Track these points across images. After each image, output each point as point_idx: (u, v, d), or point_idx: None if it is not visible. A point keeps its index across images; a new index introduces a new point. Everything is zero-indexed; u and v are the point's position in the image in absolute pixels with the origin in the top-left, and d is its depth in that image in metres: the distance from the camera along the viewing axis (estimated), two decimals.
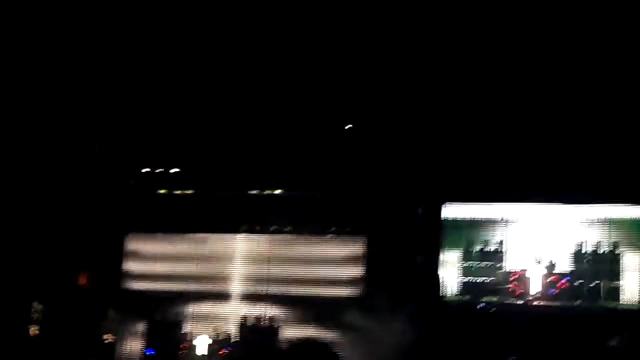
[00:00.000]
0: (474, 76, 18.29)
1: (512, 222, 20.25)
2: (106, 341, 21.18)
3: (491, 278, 20.00)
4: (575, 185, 18.46)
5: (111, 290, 22.33)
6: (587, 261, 19.65)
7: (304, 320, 21.55)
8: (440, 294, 19.98)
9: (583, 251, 19.75)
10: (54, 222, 20.99)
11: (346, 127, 20.54)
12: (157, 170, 21.85)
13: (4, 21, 17.89)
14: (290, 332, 21.38)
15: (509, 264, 20.04)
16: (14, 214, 20.94)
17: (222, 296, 22.36)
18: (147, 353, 20.19)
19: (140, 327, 21.65)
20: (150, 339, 20.85)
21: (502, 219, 20.35)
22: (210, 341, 20.67)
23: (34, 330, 21.00)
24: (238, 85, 19.38)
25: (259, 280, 22.25)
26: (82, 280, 21.54)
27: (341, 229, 21.51)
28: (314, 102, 19.51)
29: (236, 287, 22.37)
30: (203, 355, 20.43)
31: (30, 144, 20.69)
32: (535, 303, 19.61)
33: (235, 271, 22.45)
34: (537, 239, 19.91)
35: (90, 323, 21.08)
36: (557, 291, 19.56)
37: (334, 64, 18.63)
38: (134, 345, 21.45)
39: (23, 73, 19.36)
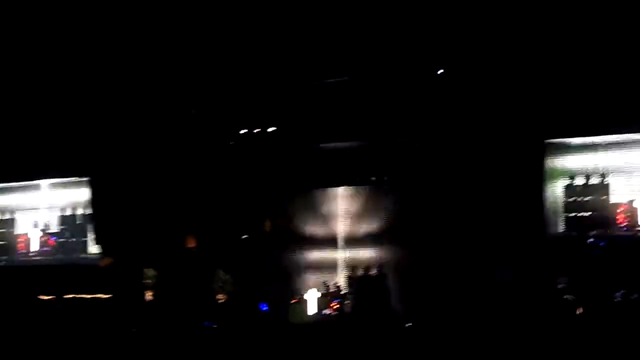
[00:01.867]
0: None
1: (615, 152, 19.81)
2: (219, 301, 21.62)
3: (597, 212, 19.66)
4: None
5: (220, 251, 22.76)
6: None
7: (412, 268, 21.61)
8: (547, 231, 19.75)
9: None
10: (160, 188, 21.42)
11: (439, 72, 20.32)
12: (255, 130, 22.00)
13: None
14: (399, 281, 21.51)
15: (615, 196, 19.64)
16: (122, 183, 21.52)
17: (330, 250, 22.56)
18: (262, 308, 20.49)
19: (251, 285, 22.03)
20: (261, 295, 21.14)
21: (605, 151, 19.93)
22: (320, 294, 20.83)
23: (149, 295, 21.58)
24: (320, 37, 19.41)
25: (365, 231, 22.38)
26: (191, 243, 21.99)
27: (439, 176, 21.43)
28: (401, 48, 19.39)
29: (343, 240, 22.52)
30: (314, 308, 20.63)
31: (133, 111, 21.17)
32: None
33: (342, 224, 22.59)
34: None
35: (201, 285, 21.53)
36: None
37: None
38: (246, 303, 21.80)
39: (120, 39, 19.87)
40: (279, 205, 22.33)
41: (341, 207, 22.53)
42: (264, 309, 20.58)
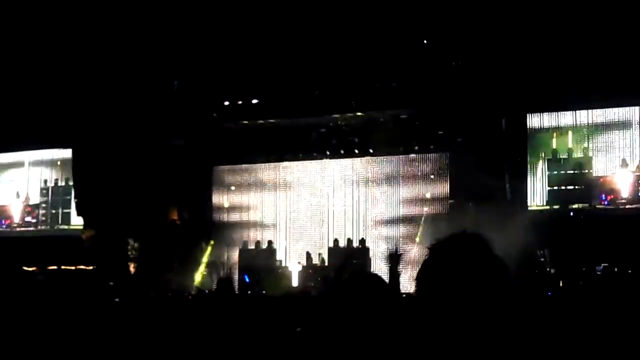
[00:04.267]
0: None
1: (598, 127, 19.89)
2: (202, 273, 21.68)
3: (579, 185, 19.78)
4: None
5: (202, 224, 22.83)
6: None
7: (393, 240, 21.73)
8: (528, 205, 19.86)
9: None
10: (142, 161, 21.36)
11: (424, 42, 20.22)
12: (239, 102, 21.94)
13: None
14: (381, 252, 21.61)
15: (597, 169, 19.75)
16: (105, 154, 21.44)
17: (310, 222, 22.65)
18: (246, 280, 20.52)
19: (234, 256, 22.12)
20: (244, 267, 21.18)
21: (587, 125, 20.02)
22: (302, 266, 20.89)
23: (132, 267, 21.61)
24: (311, 7, 19.26)
25: (347, 203, 22.47)
26: (173, 215, 22.01)
27: (425, 147, 21.51)
28: (384, 19, 19.25)
29: (324, 211, 22.61)
30: (297, 280, 20.69)
31: (117, 82, 21.05)
32: (626, 207, 19.34)
33: (323, 196, 22.68)
34: (624, 142, 19.55)
35: (185, 257, 21.58)
36: None
37: None
38: (230, 274, 21.87)
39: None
40: None
41: (324, 179, 22.65)
42: (247, 280, 20.60)
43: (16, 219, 24.01)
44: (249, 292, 19.56)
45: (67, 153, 23.29)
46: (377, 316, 3.94)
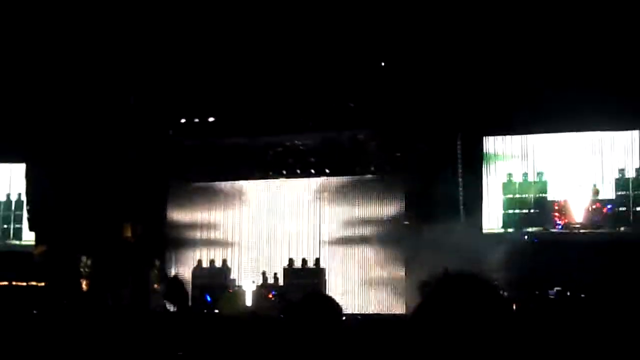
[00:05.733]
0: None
1: (553, 151, 20.07)
2: (156, 290, 21.50)
3: (533, 209, 19.92)
4: (616, 111, 18.18)
5: (156, 241, 22.65)
6: (633, 187, 19.50)
7: (348, 261, 21.76)
8: (483, 227, 19.95)
9: (626, 177, 19.57)
10: (96, 177, 21.15)
11: (381, 64, 20.31)
12: (195, 120, 21.86)
13: None
14: (336, 273, 21.62)
15: (551, 194, 19.91)
16: (58, 170, 21.19)
17: (267, 241, 22.59)
18: (208, 300, 20.35)
19: (187, 275, 21.95)
20: (198, 286, 21.03)
21: (543, 149, 20.20)
22: (256, 286, 20.77)
23: (85, 284, 21.34)
24: (270, 26, 19.23)
25: (302, 223, 22.45)
26: (127, 232, 21.80)
27: (381, 169, 21.57)
28: (343, 40, 19.28)
29: (280, 231, 22.56)
30: (251, 299, 20.57)
31: (71, 96, 20.84)
32: (579, 231, 19.52)
33: (279, 216, 22.63)
34: (579, 167, 19.74)
35: (138, 275, 21.38)
36: (601, 218, 19.44)
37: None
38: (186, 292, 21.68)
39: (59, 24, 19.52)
40: None
41: (279, 198, 22.62)
42: (209, 300, 20.41)
43: None
44: (205, 311, 19.42)
45: (20, 167, 22.95)
46: (328, 338, 3.91)
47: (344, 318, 4.21)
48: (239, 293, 20.50)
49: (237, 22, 19.31)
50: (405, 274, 20.13)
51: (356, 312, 20.12)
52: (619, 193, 19.49)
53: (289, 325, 4.02)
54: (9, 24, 19.56)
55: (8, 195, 23.53)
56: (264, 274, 21.16)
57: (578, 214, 19.50)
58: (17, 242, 23.17)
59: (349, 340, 4.05)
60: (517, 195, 20.08)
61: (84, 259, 21.35)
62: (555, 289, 17.22)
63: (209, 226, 23.10)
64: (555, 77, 18.17)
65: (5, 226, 23.43)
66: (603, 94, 17.50)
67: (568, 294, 17.06)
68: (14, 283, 21.12)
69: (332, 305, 4.15)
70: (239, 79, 20.36)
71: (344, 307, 4.33)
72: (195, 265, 22.07)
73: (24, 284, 21.11)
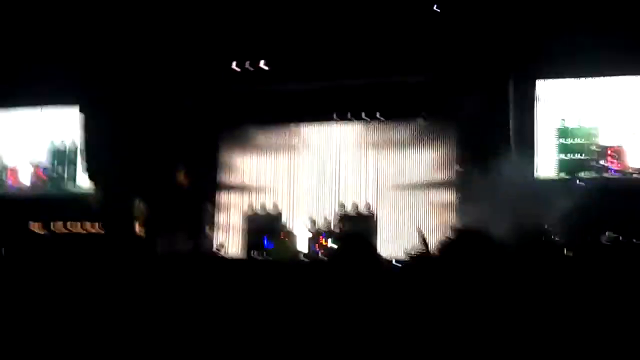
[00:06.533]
0: None
1: (607, 96, 19.76)
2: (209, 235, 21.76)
3: (587, 154, 19.70)
4: None
5: (210, 187, 22.85)
6: None
7: (399, 206, 21.77)
8: (536, 173, 19.80)
9: None
10: (151, 123, 21.28)
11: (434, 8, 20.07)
12: (247, 66, 21.84)
13: None
14: (388, 218, 21.65)
15: (606, 139, 19.66)
16: (114, 116, 21.36)
17: (317, 186, 22.65)
18: (266, 245, 20.56)
19: (241, 221, 22.14)
20: (253, 231, 21.23)
21: (598, 94, 19.90)
22: (308, 231, 20.89)
23: (140, 230, 21.60)
24: None
25: (354, 168, 22.46)
26: (181, 178, 21.97)
27: (433, 114, 21.45)
28: None
29: (330, 176, 22.60)
30: (303, 244, 20.71)
31: (123, 46, 20.94)
32: (634, 176, 19.29)
33: (329, 161, 22.66)
34: (634, 114, 19.44)
35: (192, 220, 21.60)
36: None
37: None
38: (239, 239, 21.92)
39: None
40: None
41: (330, 143, 22.64)
42: (268, 245, 20.58)
43: (23, 180, 23.92)
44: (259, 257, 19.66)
45: (73, 111, 23.04)
46: (363, 279, 3.96)
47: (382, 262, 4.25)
48: (291, 238, 20.65)
49: None
50: (457, 219, 20.11)
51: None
52: None
53: (329, 268, 4.08)
54: None
55: (63, 141, 23.75)
56: (313, 219, 21.26)
57: (633, 159, 19.25)
58: (74, 188, 23.42)
59: (385, 283, 4.10)
60: (571, 141, 19.86)
61: (138, 203, 21.57)
62: (609, 234, 17.09)
63: (259, 171, 23.21)
64: (612, 17, 17.88)
65: (62, 172, 23.66)
66: None
67: (621, 239, 16.92)
68: (69, 227, 21.51)
69: (369, 247, 4.20)
70: (289, 25, 20.28)
71: (394, 253, 4.38)
72: (247, 210, 22.25)
73: (79, 225, 21.49)
